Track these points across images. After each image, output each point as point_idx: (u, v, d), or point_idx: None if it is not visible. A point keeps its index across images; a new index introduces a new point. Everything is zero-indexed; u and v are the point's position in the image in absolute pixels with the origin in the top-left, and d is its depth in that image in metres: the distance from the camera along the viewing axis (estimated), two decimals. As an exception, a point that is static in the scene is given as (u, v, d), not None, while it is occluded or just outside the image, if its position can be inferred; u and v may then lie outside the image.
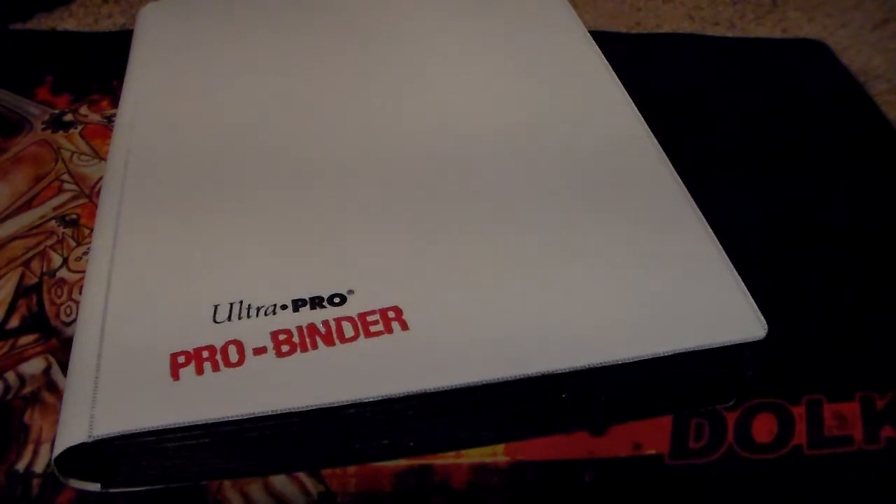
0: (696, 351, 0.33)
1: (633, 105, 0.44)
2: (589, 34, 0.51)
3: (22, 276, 0.46)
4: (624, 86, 0.47)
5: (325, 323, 0.32)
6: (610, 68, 0.47)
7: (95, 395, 0.30)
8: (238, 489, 0.35)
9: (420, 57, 0.48)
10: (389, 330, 0.32)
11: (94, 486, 0.32)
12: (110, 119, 0.58)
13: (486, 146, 0.41)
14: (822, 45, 0.66)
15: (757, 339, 0.33)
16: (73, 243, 0.48)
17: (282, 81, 0.46)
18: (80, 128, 0.57)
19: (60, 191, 0.52)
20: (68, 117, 0.58)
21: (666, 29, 0.69)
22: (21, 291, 0.45)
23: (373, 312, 0.32)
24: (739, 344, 0.33)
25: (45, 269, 0.46)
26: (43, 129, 0.57)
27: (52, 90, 0.60)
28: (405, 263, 0.35)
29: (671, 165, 0.40)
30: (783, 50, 0.66)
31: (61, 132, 0.57)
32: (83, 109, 0.59)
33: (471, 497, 0.35)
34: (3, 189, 0.52)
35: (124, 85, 0.46)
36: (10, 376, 0.41)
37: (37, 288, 0.45)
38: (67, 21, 0.70)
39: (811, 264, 0.46)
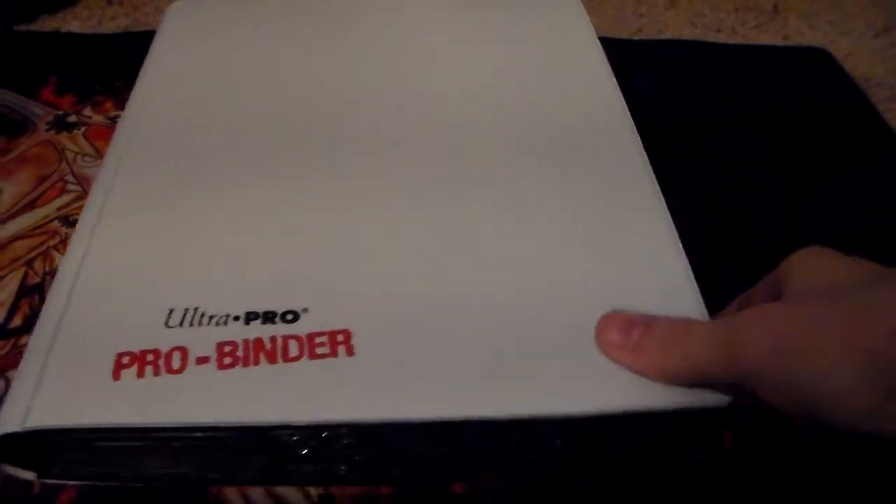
0: (651, 412, 0.29)
1: (635, 132, 0.42)
2: (595, 36, 0.50)
3: (25, 276, 0.46)
4: (624, 92, 0.46)
5: (273, 339, 0.31)
6: (616, 84, 0.45)
7: (38, 386, 0.30)
8: (239, 491, 0.35)
9: (419, 65, 0.48)
10: (334, 354, 0.31)
11: (31, 475, 0.32)
12: (114, 120, 0.58)
13: (460, 176, 0.39)
14: (824, 52, 0.66)
15: (719, 406, 0.29)
16: (76, 243, 0.48)
17: (279, 93, 0.44)
18: (83, 129, 0.57)
19: (64, 191, 0.52)
20: (72, 118, 0.58)
21: (668, 35, 0.69)
22: (24, 291, 0.45)
23: (322, 333, 0.32)
24: (701, 409, 0.29)
25: (47, 269, 0.46)
26: (47, 130, 0.57)
27: (56, 91, 0.61)
28: (365, 287, 0.34)
29: (659, 192, 0.38)
30: (786, 57, 0.66)
31: (65, 133, 0.57)
32: (87, 111, 0.59)
33: (470, 501, 0.35)
34: (7, 189, 0.52)
35: (137, 80, 0.46)
36: (12, 375, 0.41)
37: (39, 287, 0.45)
38: (72, 23, 0.70)
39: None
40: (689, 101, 0.59)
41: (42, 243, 0.48)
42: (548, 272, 0.34)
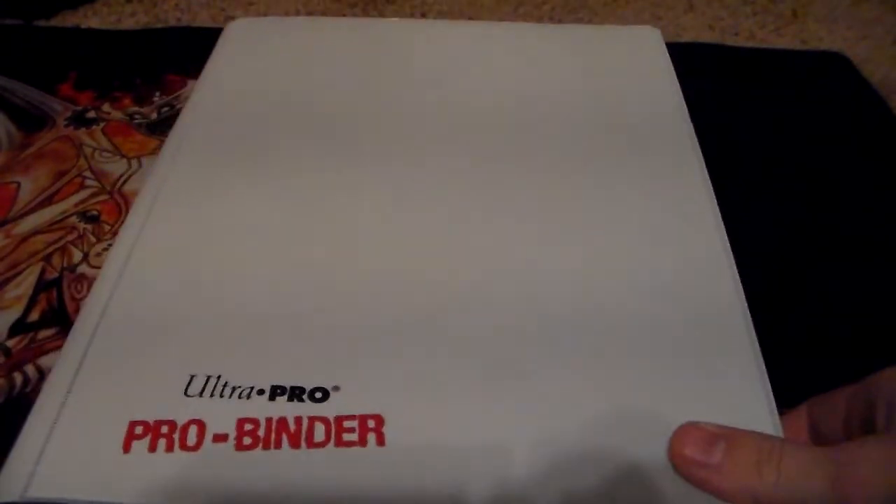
0: None
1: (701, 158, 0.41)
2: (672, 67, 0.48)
3: (43, 271, 0.46)
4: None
5: (298, 420, 0.29)
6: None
7: (44, 450, 0.28)
8: None
9: (480, 89, 0.46)
10: (363, 442, 0.29)
11: None
12: (132, 116, 0.58)
13: (511, 270, 0.36)
14: (842, 56, 0.66)
15: None
16: (93, 239, 0.48)
17: (329, 123, 0.42)
18: (102, 125, 0.58)
19: (82, 187, 0.52)
20: (91, 114, 0.58)
21: (686, 38, 0.69)
22: (42, 286, 0.46)
23: (352, 417, 0.29)
24: None
25: (65, 265, 0.47)
26: (65, 126, 0.57)
27: (75, 87, 0.61)
28: (402, 370, 0.31)
29: (748, 314, 0.34)
30: (804, 61, 0.66)
31: (84, 129, 0.57)
32: (106, 107, 0.59)
33: None
34: (26, 184, 0.52)
35: (188, 101, 0.45)
36: (30, 369, 0.41)
37: (57, 282, 0.46)
38: (91, 19, 0.70)
39: (829, 274, 0.46)
40: (707, 105, 0.59)
41: (60, 238, 0.49)
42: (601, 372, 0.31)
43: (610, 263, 0.36)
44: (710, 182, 0.40)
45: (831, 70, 0.65)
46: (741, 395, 0.30)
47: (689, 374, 0.31)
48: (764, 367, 0.31)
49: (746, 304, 0.34)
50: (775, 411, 0.30)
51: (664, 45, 0.50)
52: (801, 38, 0.69)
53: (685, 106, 0.45)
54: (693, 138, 0.43)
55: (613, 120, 0.44)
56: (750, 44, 0.69)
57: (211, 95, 0.45)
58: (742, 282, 0.35)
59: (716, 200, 0.39)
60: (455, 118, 0.44)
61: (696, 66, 0.64)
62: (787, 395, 0.33)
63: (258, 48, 0.49)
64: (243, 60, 0.48)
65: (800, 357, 0.41)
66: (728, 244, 0.37)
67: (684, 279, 0.35)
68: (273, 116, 0.43)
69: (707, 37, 0.69)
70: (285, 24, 0.54)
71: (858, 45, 0.68)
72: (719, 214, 0.38)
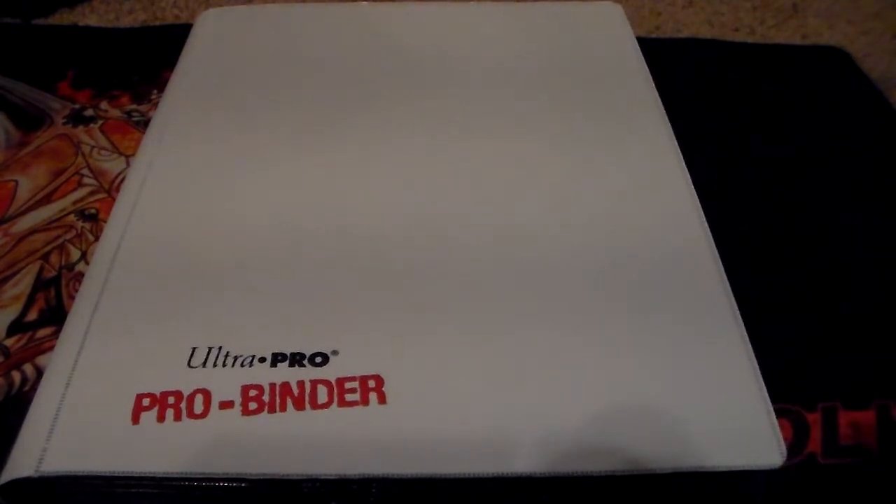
0: (697, 472, 0.29)
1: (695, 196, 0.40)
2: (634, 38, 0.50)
3: (41, 270, 0.46)
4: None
5: (301, 384, 0.30)
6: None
7: (54, 427, 0.29)
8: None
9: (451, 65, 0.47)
10: (365, 401, 0.30)
11: None
12: (130, 114, 0.58)
13: (501, 226, 0.38)
14: (842, 51, 0.66)
15: (772, 466, 0.29)
16: (91, 237, 0.48)
17: (315, 104, 0.43)
18: (100, 123, 0.57)
19: (80, 185, 0.52)
20: (89, 112, 0.58)
21: (686, 34, 0.69)
22: (40, 284, 0.46)
23: (352, 379, 0.30)
24: (752, 470, 0.29)
25: (63, 263, 0.47)
26: (64, 124, 0.57)
27: (73, 85, 0.61)
28: (397, 331, 0.32)
29: (722, 270, 0.35)
30: (804, 56, 0.66)
31: (82, 127, 0.57)
32: (104, 105, 0.59)
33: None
34: (24, 183, 0.52)
35: (166, 90, 0.45)
36: (28, 368, 0.41)
37: (55, 281, 0.46)
38: (89, 17, 0.70)
39: (831, 268, 0.46)
40: (707, 101, 0.59)
41: (58, 237, 0.48)
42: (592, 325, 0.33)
43: (587, 215, 0.37)
44: (675, 139, 0.41)
45: (831, 65, 0.65)
46: (716, 338, 0.32)
47: (667, 323, 0.33)
48: (738, 312, 0.33)
49: (717, 253, 0.35)
50: (752, 353, 0.31)
51: (625, 17, 0.52)
52: (801, 34, 0.69)
53: (649, 73, 0.47)
54: (658, 101, 0.44)
55: (583, 88, 0.45)
56: (750, 39, 0.69)
57: (189, 81, 0.45)
58: (738, 279, 0.35)
59: (682, 157, 0.40)
60: (434, 92, 0.45)
61: (695, 62, 0.64)
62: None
63: (232, 35, 0.50)
64: (218, 48, 0.49)
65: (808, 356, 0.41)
66: (696, 196, 0.38)
67: (656, 226, 0.37)
68: (251, 98, 0.44)
69: (706, 32, 0.69)
70: (257, 11, 0.54)
71: (859, 39, 0.68)
72: (686, 171, 0.39)
